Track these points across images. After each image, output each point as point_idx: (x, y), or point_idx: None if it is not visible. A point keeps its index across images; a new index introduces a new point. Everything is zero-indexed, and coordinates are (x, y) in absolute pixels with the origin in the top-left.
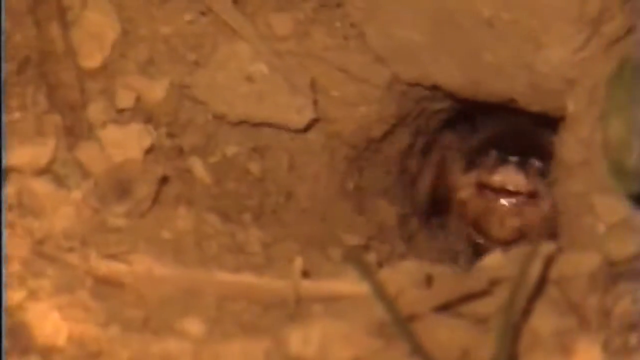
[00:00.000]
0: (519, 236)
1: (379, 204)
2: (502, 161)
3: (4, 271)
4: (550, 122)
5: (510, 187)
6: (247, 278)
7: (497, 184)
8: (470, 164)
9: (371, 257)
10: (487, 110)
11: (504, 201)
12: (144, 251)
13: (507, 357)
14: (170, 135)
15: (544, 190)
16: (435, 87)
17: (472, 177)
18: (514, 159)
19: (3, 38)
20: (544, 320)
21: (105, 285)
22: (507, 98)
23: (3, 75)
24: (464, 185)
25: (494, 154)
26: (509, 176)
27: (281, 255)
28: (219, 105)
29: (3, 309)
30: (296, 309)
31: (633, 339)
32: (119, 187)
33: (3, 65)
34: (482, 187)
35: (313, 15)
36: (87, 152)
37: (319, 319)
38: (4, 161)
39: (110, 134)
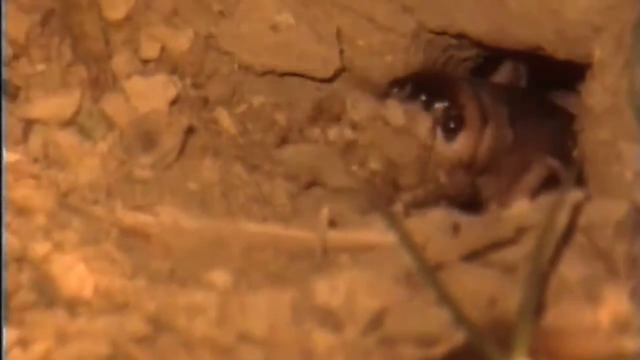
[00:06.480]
0: None
1: None
2: None
3: (4, 271)
4: None
5: None
6: (273, 228)
7: None
8: None
9: (398, 207)
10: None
11: None
12: (170, 202)
13: (535, 305)
14: (196, 85)
15: None
16: (461, 35)
17: None
18: None
19: (3, 38)
20: (571, 268)
21: (131, 236)
22: (534, 45)
23: (4, 67)
24: None
25: None
26: None
27: (308, 206)
28: (244, 56)
29: (3, 306)
30: (323, 259)
31: None
32: (145, 138)
33: (3, 63)
34: None
35: None
36: (112, 104)
37: (346, 269)
38: (4, 162)
39: (135, 85)
